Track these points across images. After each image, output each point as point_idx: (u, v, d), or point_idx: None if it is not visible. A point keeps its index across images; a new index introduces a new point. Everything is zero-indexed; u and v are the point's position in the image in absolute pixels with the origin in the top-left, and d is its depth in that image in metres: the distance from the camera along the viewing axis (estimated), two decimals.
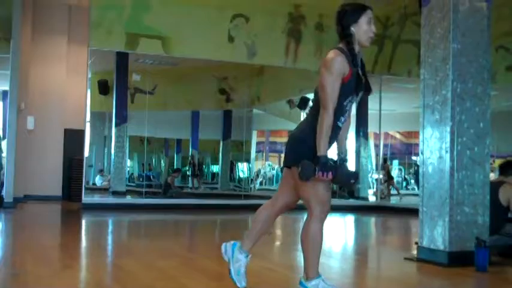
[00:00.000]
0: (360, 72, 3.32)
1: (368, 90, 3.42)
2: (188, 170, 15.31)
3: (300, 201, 3.42)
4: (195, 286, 3.80)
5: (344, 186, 3.28)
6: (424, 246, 5.04)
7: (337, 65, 3.22)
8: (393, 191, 16.09)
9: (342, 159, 3.35)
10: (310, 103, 14.85)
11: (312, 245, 3.32)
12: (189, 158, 15.74)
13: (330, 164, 3.16)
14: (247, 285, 3.52)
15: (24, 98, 10.84)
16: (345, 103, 3.30)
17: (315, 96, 3.40)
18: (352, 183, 3.32)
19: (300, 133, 3.40)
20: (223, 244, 3.63)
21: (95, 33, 9.83)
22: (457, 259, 4.76)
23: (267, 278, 4.23)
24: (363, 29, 3.33)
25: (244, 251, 3.56)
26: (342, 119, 3.34)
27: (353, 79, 3.28)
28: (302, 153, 3.26)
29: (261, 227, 3.61)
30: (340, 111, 3.28)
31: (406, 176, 20.42)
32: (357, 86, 3.32)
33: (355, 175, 3.34)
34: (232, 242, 3.61)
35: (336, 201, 8.55)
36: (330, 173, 3.16)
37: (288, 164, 3.41)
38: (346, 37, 3.32)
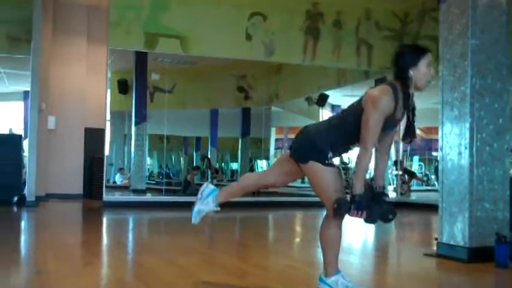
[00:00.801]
0: (410, 116, 3.27)
1: (411, 137, 3.35)
2: (202, 165, 15.32)
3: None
4: (216, 282, 3.84)
5: (382, 222, 3.25)
6: (444, 242, 5.03)
7: (385, 104, 3.15)
8: (414, 186, 16.04)
9: (380, 194, 3.30)
10: (331, 101, 14.84)
11: (331, 241, 3.35)
12: (201, 156, 15.82)
13: (365, 203, 3.15)
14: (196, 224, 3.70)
15: (45, 98, 10.96)
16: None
17: (346, 111, 3.37)
18: (390, 219, 3.25)
19: (313, 133, 3.37)
20: (207, 183, 3.74)
21: (114, 33, 9.91)
22: (477, 255, 4.75)
23: (288, 275, 4.26)
24: (422, 72, 3.25)
25: (217, 202, 3.66)
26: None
27: (392, 119, 3.23)
28: (310, 153, 3.29)
29: (238, 190, 3.71)
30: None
31: (426, 172, 20.31)
32: (405, 132, 3.30)
33: (393, 211, 3.26)
34: (213, 187, 3.70)
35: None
36: (365, 212, 3.16)
37: (296, 159, 3.40)
38: (403, 79, 3.24)
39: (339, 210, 3.19)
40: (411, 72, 3.23)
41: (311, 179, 3.34)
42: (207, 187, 3.70)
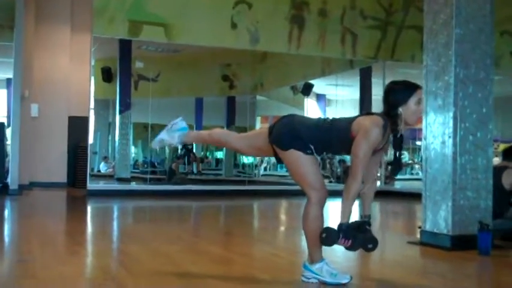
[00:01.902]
0: (397, 154, 3.32)
1: (398, 170, 3.43)
2: (186, 154, 15.30)
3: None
4: (201, 270, 3.84)
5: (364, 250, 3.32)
6: (427, 230, 5.07)
7: (376, 136, 3.17)
8: (398, 175, 16.11)
9: (365, 223, 3.34)
10: (315, 90, 14.85)
11: (313, 228, 3.36)
12: (184, 145, 15.77)
13: (351, 232, 3.19)
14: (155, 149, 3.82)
15: (28, 85, 10.86)
16: None
17: (338, 123, 3.36)
18: (370, 249, 3.30)
19: (298, 125, 3.37)
20: (180, 118, 3.76)
21: (97, 21, 9.83)
22: (460, 243, 4.79)
23: (272, 263, 4.27)
24: (412, 110, 3.25)
25: (182, 139, 3.71)
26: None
27: (377, 149, 3.27)
28: (292, 142, 3.30)
29: (208, 140, 3.89)
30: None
31: (410, 161, 20.44)
32: (393, 167, 3.40)
33: (374, 241, 3.32)
34: (185, 125, 3.73)
35: (341, 186, 8.53)
36: (350, 241, 3.20)
37: (275, 144, 3.39)
38: (392, 117, 3.25)
39: (326, 240, 3.23)
40: (400, 110, 3.24)
41: (290, 165, 3.36)
42: (180, 122, 3.73)
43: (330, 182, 13.48)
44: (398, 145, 3.28)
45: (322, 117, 3.62)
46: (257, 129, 3.81)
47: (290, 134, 3.34)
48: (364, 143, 3.16)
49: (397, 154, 3.32)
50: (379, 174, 13.47)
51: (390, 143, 3.33)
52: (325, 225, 3.41)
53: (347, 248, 3.26)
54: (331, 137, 3.32)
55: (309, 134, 3.32)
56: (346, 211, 3.20)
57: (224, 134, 3.89)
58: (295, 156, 3.30)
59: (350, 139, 3.23)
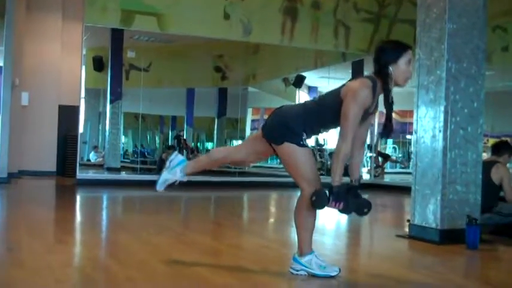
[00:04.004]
0: (388, 113, 3.32)
1: (389, 132, 3.40)
2: (178, 144, 15.29)
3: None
4: (190, 261, 3.84)
5: (357, 215, 3.30)
6: (416, 223, 5.09)
7: (364, 97, 3.18)
8: (388, 169, 16.19)
9: (355, 187, 3.34)
10: (307, 82, 14.85)
11: (305, 221, 3.38)
12: (176, 135, 15.78)
13: (342, 194, 3.19)
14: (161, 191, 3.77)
15: (19, 73, 10.79)
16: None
17: (324, 97, 3.41)
18: (365, 213, 3.30)
19: (288, 115, 3.39)
20: (176, 152, 3.80)
21: (89, 10, 9.76)
22: (448, 237, 4.81)
23: (262, 255, 4.28)
24: (402, 70, 3.27)
25: (184, 173, 3.70)
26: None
27: (368, 112, 3.27)
28: (284, 134, 3.31)
29: (209, 164, 3.76)
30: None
31: (400, 155, 20.49)
32: (383, 128, 3.37)
33: (368, 205, 3.31)
34: (182, 158, 3.74)
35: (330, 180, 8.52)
36: (342, 203, 3.19)
37: (269, 140, 3.41)
38: (382, 76, 3.27)
39: (316, 203, 3.22)
40: (391, 69, 3.25)
41: (286, 159, 3.36)
42: (176, 157, 3.74)
43: (322, 174, 13.50)
44: (389, 106, 3.29)
45: (309, 99, 3.60)
46: (251, 135, 3.79)
47: (280, 126, 3.35)
48: (353, 104, 3.17)
49: (389, 115, 3.33)
50: (368, 168, 13.53)
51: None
52: (316, 219, 3.42)
53: (340, 211, 3.24)
54: (323, 115, 3.32)
55: (299, 120, 3.32)
56: (336, 173, 3.19)
57: (222, 151, 3.91)
58: (290, 149, 3.30)
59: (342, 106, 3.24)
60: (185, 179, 3.71)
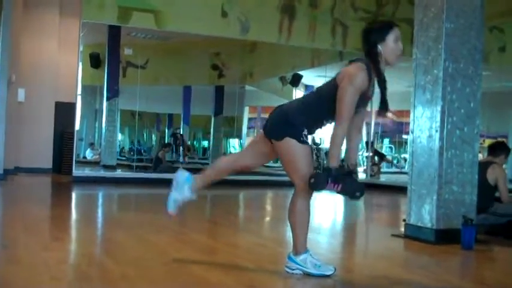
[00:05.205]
0: (383, 90, 3.34)
1: (385, 109, 3.40)
2: (175, 141, 15.30)
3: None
4: (186, 259, 3.84)
5: (349, 198, 3.34)
6: (412, 223, 5.09)
7: (360, 81, 3.21)
8: (385, 169, 16.17)
9: (351, 171, 3.35)
10: (304, 81, 14.85)
11: (299, 220, 3.38)
12: (172, 133, 15.78)
13: (340, 176, 3.21)
14: (175, 213, 3.65)
15: (15, 70, 10.75)
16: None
17: (321, 89, 3.42)
18: (357, 196, 3.33)
19: (288, 110, 3.40)
20: (181, 170, 3.69)
21: (87, 6, 9.75)
22: (444, 237, 4.82)
23: (257, 253, 4.28)
24: (390, 47, 3.31)
25: (192, 190, 3.62)
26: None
27: (365, 95, 3.29)
28: (285, 130, 3.31)
29: (216, 175, 3.68)
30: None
31: (396, 154, 20.51)
32: (380, 105, 3.36)
33: (361, 189, 3.34)
34: (188, 174, 3.65)
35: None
36: (340, 185, 3.21)
37: (268, 134, 3.42)
38: (372, 55, 3.30)
39: (315, 185, 3.23)
40: (380, 48, 3.29)
41: (284, 155, 3.35)
42: (182, 174, 3.64)
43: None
44: (383, 84, 3.32)
45: (308, 92, 3.60)
46: (253, 138, 3.76)
47: (281, 121, 3.36)
48: (349, 87, 3.20)
49: (383, 93, 3.34)
50: (364, 167, 13.55)
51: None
52: (311, 218, 3.42)
53: (338, 193, 3.26)
54: (322, 105, 3.32)
55: (298, 114, 3.33)
56: (333, 156, 3.22)
57: (227, 159, 3.78)
58: (289, 144, 3.29)
59: None
60: (195, 196, 3.63)
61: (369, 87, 3.28)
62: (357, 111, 3.31)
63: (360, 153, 14.67)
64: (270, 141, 3.42)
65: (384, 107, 3.38)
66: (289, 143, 3.29)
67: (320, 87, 3.46)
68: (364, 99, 3.30)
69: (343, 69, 3.31)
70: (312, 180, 3.23)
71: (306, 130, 3.32)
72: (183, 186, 3.61)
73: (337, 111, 3.22)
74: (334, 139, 3.22)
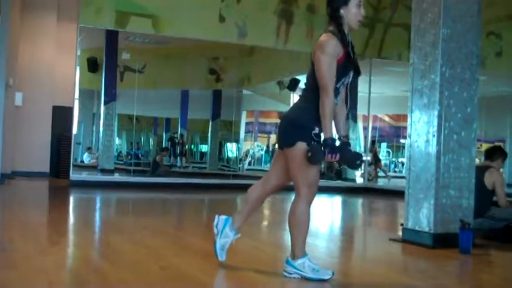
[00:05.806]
0: (350, 53, 3.38)
1: (357, 72, 3.47)
2: (175, 145, 15.31)
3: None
4: (183, 263, 3.84)
5: (350, 167, 3.40)
6: (409, 227, 5.10)
7: (332, 46, 3.28)
8: (381, 173, 16.16)
9: (345, 142, 3.39)
10: (302, 85, 14.86)
11: (299, 225, 3.38)
12: (170, 135, 15.79)
13: (337, 146, 3.25)
14: (225, 260, 3.62)
15: (13, 74, 10.76)
16: (337, 85, 3.35)
17: (307, 80, 3.44)
18: (358, 164, 3.38)
19: (291, 115, 3.47)
20: (217, 217, 3.70)
21: (84, 11, 9.76)
22: (441, 241, 4.82)
23: (255, 257, 4.28)
24: (352, 12, 3.39)
25: (234, 229, 3.63)
26: (335, 101, 3.36)
27: (346, 61, 3.34)
28: (294, 134, 3.33)
29: (251, 206, 3.71)
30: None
31: (393, 159, 20.54)
32: (346, 66, 3.37)
33: (360, 156, 3.40)
34: (225, 216, 3.68)
35: (324, 183, 8.53)
36: (338, 155, 3.23)
37: (281, 145, 3.47)
38: (335, 19, 3.38)
39: (313, 157, 3.24)
40: (342, 12, 3.37)
41: (294, 159, 3.33)
42: (219, 219, 3.67)
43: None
44: (350, 46, 3.38)
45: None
46: (273, 158, 3.75)
47: (289, 127, 3.39)
48: (323, 56, 3.27)
49: (349, 53, 3.38)
50: (363, 171, 13.54)
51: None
52: (310, 223, 3.43)
53: (337, 162, 3.31)
54: (317, 91, 3.31)
55: (302, 114, 3.36)
56: (327, 127, 3.26)
57: (255, 187, 3.69)
58: (301, 148, 3.28)
59: None
60: (238, 235, 3.65)
61: (345, 51, 3.33)
62: (341, 83, 3.36)
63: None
64: (284, 151, 3.42)
65: (356, 70, 3.45)
66: (301, 147, 3.28)
67: (306, 79, 3.48)
68: (348, 62, 3.35)
69: (315, 45, 3.38)
70: (310, 154, 3.24)
71: (317, 128, 3.31)
72: (225, 229, 3.64)
73: (318, 82, 3.27)
74: (324, 110, 3.25)
